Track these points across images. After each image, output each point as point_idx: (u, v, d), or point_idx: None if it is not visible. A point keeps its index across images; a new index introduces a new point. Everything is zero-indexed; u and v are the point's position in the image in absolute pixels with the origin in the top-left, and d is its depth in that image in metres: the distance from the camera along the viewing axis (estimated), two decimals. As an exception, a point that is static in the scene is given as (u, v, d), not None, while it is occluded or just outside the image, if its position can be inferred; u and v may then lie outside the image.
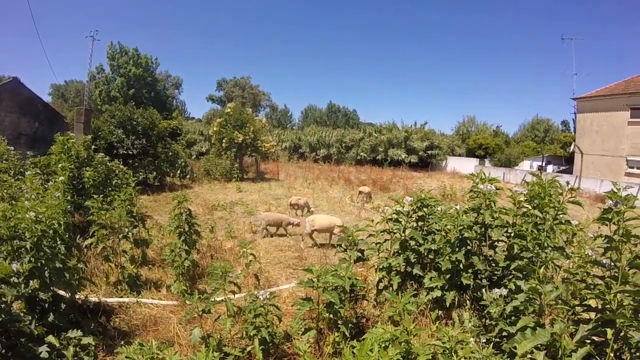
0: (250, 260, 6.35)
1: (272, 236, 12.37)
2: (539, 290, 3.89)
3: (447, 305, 5.26)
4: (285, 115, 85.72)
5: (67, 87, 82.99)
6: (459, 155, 53.10)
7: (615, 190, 4.06)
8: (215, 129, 28.48)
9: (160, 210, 15.29)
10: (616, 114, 35.70)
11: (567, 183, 5.54)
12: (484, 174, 5.95)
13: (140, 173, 21.89)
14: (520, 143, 61.15)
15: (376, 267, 6.31)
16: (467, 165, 45.92)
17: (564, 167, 45.70)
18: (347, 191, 23.01)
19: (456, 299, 5.43)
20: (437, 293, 5.39)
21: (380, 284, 6.20)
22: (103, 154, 14.24)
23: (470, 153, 53.80)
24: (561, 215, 5.17)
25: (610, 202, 4.06)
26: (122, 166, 14.34)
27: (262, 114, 77.01)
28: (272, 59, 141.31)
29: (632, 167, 34.53)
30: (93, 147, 14.07)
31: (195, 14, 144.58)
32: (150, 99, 56.96)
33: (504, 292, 4.28)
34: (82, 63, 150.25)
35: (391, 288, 5.81)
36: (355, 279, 5.20)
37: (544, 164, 47.66)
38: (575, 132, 43.00)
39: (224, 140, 27.53)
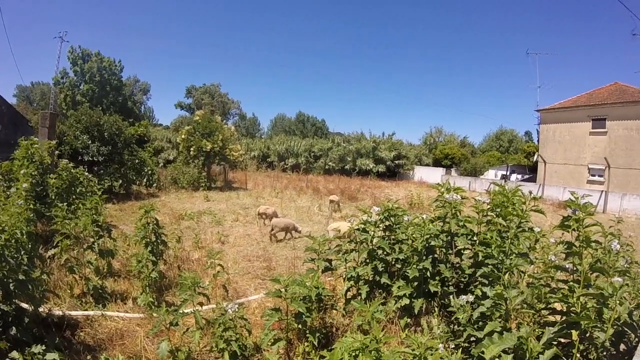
0: (218, 271, 6.30)
1: (279, 241, 13.00)
2: (504, 295, 3.96)
3: (416, 313, 5.32)
4: (254, 124, 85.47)
5: (33, 89, 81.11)
6: (427, 165, 54.05)
7: (574, 199, 4.22)
8: (183, 136, 28.10)
9: (126, 220, 14.97)
10: (578, 125, 37.18)
11: (530, 192, 5.65)
12: (450, 184, 6.08)
13: (106, 181, 21.39)
14: (486, 153, 62.91)
15: (344, 276, 6.34)
16: (434, 175, 46.97)
17: (527, 176, 47.19)
18: (315, 200, 23.04)
19: (424, 306, 5.49)
20: (406, 301, 5.46)
21: (349, 293, 6.23)
22: (67, 160, 13.95)
23: (437, 163, 54.93)
24: (525, 223, 5.29)
25: (570, 209, 4.26)
26: (87, 173, 13.99)
27: (230, 122, 76.62)
28: (241, 67, 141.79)
29: (594, 175, 35.88)
30: (57, 152, 13.78)
31: (165, 20, 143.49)
32: (116, 103, 56.01)
33: (471, 298, 4.36)
34: (49, 64, 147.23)
35: (360, 297, 5.85)
36: (323, 288, 5.21)
37: (508, 173, 49.16)
38: (538, 142, 44.30)
39: (191, 149, 27.21)
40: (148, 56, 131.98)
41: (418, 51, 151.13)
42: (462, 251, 5.75)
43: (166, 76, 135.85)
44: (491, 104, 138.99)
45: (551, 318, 4.25)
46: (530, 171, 46.84)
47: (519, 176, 49.18)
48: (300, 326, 4.81)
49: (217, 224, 15.16)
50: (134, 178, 23.55)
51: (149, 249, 6.98)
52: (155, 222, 7.34)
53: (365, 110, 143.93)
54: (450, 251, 5.69)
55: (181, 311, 4.61)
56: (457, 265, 5.73)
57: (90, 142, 20.78)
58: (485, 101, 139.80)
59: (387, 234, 6.32)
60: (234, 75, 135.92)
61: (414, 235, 5.73)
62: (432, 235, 5.58)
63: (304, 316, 4.64)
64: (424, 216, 5.98)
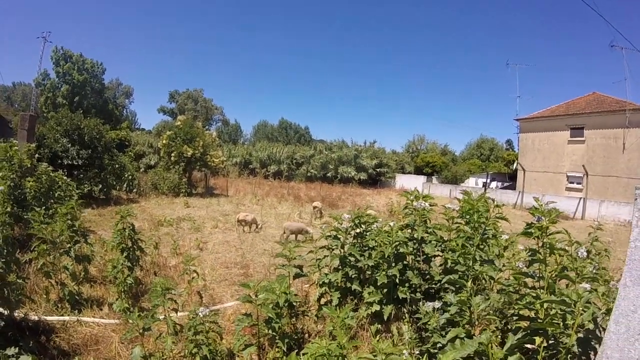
0: (193, 278, 6.37)
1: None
2: (469, 302, 4.07)
3: (386, 319, 5.40)
4: (237, 130, 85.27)
5: (15, 89, 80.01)
6: (409, 172, 55.04)
7: (537, 206, 4.34)
8: (164, 141, 27.96)
9: (105, 225, 14.85)
10: (557, 134, 38.33)
11: (493, 200, 5.78)
12: (418, 192, 6.17)
13: (86, 185, 21.25)
14: (467, 161, 63.46)
15: (317, 283, 6.43)
16: (415, 183, 47.40)
17: (507, 184, 48.16)
18: (296, 208, 23.14)
19: (393, 313, 5.57)
20: (376, 307, 5.52)
21: (322, 299, 6.33)
22: (47, 163, 13.86)
23: (418, 171, 55.81)
24: (490, 230, 5.43)
25: (534, 217, 4.29)
26: (65, 177, 13.93)
27: (213, 128, 76.45)
28: (225, 73, 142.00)
29: (572, 183, 37.03)
30: (37, 155, 13.70)
31: (150, 23, 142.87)
32: (97, 106, 55.54)
33: (437, 305, 4.43)
34: (32, 65, 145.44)
35: (331, 303, 5.90)
36: (294, 294, 5.31)
37: (488, 181, 49.58)
38: (518, 150, 45.25)
39: (172, 154, 27.13)
40: (132, 60, 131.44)
41: (402, 61, 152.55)
42: (431, 258, 5.88)
43: (150, 80, 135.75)
44: (473, 113, 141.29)
45: (522, 324, 4.35)
46: (510, 179, 47.82)
47: (499, 184, 50.07)
48: (270, 332, 4.87)
49: (196, 230, 15.09)
50: (114, 183, 23.30)
51: (125, 254, 7.00)
52: (131, 227, 7.35)
53: (348, 117, 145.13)
54: (419, 258, 5.80)
55: (152, 316, 4.64)
56: (426, 272, 5.85)
57: (70, 145, 20.58)
58: (467, 110, 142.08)
59: (358, 240, 6.41)
60: (218, 82, 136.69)
61: (383, 243, 5.78)
62: (401, 242, 5.66)
63: (273, 321, 4.72)
64: (392, 223, 6.05)
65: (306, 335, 5.77)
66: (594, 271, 5.27)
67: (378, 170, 49.36)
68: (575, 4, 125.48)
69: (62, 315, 6.49)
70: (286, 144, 62.46)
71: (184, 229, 15.25)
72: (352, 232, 6.42)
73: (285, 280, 5.21)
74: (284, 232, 13.89)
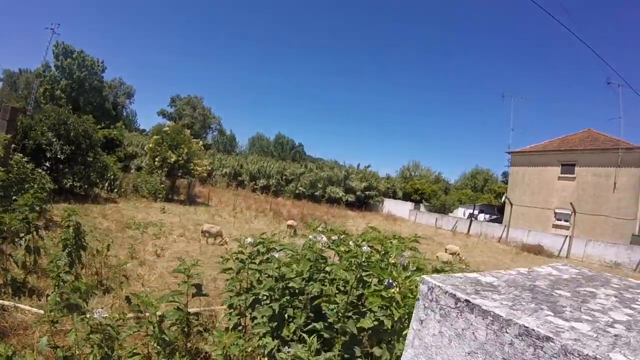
0: (122, 282, 6.61)
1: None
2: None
3: (267, 353, 4.71)
4: (232, 141, 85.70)
5: (20, 76, 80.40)
6: (399, 198, 55.08)
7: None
8: (150, 145, 28.34)
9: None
10: (548, 169, 38.49)
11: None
12: (319, 223, 6.12)
13: (68, 180, 21.66)
14: (460, 190, 63.70)
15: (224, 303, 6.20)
16: (402, 208, 48.23)
17: (495, 217, 48.15)
18: (272, 224, 23.29)
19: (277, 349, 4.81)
20: (263, 340, 4.81)
21: (230, 321, 5.83)
22: (22, 155, 14.18)
23: (407, 197, 55.87)
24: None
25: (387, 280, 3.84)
26: (40, 170, 14.22)
27: (210, 136, 76.96)
28: (226, 83, 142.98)
29: (560, 220, 37.01)
30: (13, 146, 13.98)
31: (158, 26, 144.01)
32: (94, 104, 56.00)
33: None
34: (38, 53, 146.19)
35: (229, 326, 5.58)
36: (188, 313, 5.26)
37: (476, 212, 49.98)
38: (507, 183, 45.63)
39: (157, 158, 27.48)
40: (139, 61, 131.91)
41: (402, 87, 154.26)
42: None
43: (155, 83, 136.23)
44: (471, 143, 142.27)
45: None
46: (499, 212, 47.75)
47: (487, 216, 50.40)
48: (157, 345, 4.81)
49: (161, 236, 15.12)
50: (97, 181, 23.61)
51: (67, 251, 7.33)
52: (76, 225, 7.67)
53: (345, 138, 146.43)
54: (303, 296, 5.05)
55: (62, 311, 4.86)
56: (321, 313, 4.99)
57: (55, 139, 20.90)
58: (466, 140, 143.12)
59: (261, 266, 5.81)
60: (219, 91, 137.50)
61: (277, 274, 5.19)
62: (294, 277, 5.03)
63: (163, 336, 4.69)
64: (278, 254, 5.47)
65: (200, 355, 5.60)
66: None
67: (366, 193, 49.65)
68: (572, 39, 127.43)
69: (2, 299, 6.84)
70: (282, 159, 62.82)
71: (150, 234, 15.21)
72: (258, 258, 5.91)
73: (175, 296, 5.08)
74: (203, 234, 14.83)
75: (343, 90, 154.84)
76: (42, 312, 6.77)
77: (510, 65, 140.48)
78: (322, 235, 5.49)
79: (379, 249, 5.14)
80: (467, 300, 1.22)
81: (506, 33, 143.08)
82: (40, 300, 7.22)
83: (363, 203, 49.37)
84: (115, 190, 25.09)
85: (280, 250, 5.58)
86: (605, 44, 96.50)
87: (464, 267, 11.54)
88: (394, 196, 55.11)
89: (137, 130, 71.31)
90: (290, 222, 21.51)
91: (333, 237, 5.68)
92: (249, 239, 6.01)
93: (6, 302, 6.70)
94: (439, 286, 1.33)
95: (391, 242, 5.20)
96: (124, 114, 75.21)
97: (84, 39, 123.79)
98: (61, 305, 4.95)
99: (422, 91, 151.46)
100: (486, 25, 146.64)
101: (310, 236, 5.69)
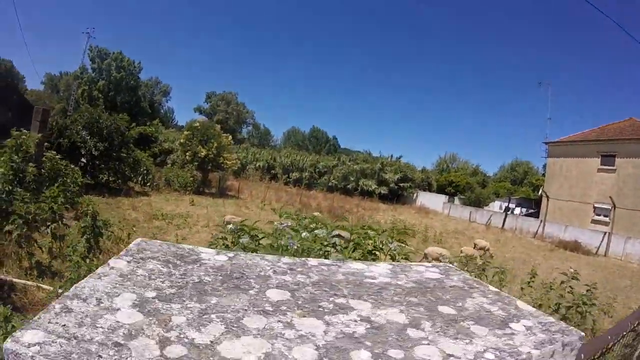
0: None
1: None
2: None
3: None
4: (267, 135, 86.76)
5: (61, 78, 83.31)
6: (435, 190, 53.87)
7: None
8: (182, 140, 29.38)
9: (107, 214, 15.36)
10: (586, 160, 36.23)
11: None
12: (287, 212, 6.28)
13: (104, 175, 22.73)
14: (498, 183, 62.16)
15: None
16: (435, 201, 46.97)
17: (532, 211, 46.06)
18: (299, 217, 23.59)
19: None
20: None
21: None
22: (55, 152, 15.02)
23: (441, 189, 54.40)
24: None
25: None
26: (73, 166, 14.98)
27: (245, 131, 78.16)
28: (262, 78, 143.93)
29: (599, 215, 34.72)
30: (47, 144, 14.77)
31: (192, 23, 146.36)
32: (131, 102, 57.69)
33: None
34: (77, 57, 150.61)
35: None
36: None
37: (512, 206, 48.04)
38: (545, 175, 43.74)
39: (187, 153, 28.39)
40: (177, 60, 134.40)
41: (441, 78, 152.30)
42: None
43: (192, 81, 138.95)
44: (510, 135, 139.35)
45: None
46: (536, 205, 45.33)
47: (524, 210, 48.44)
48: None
49: (185, 227, 15.59)
50: (131, 176, 24.72)
51: (85, 237, 7.96)
52: (94, 214, 8.30)
53: (381, 131, 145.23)
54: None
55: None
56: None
57: (88, 137, 21.93)
58: (504, 132, 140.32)
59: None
60: (254, 86, 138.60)
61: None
62: None
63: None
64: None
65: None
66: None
67: (400, 185, 48.58)
68: (615, 27, 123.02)
69: (27, 280, 7.52)
70: (317, 152, 62.94)
71: (174, 225, 15.70)
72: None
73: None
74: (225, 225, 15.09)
75: (381, 84, 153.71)
76: (60, 291, 7.45)
77: (550, 52, 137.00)
78: (288, 221, 5.69)
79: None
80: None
81: (544, 19, 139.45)
82: (61, 281, 7.88)
83: (396, 195, 48.33)
84: (149, 184, 26.05)
85: (262, 237, 5.46)
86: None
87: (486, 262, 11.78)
88: (429, 189, 53.84)
89: (174, 127, 72.98)
90: (316, 213, 21.89)
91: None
92: (231, 225, 6.00)
93: (29, 282, 7.38)
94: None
95: (367, 233, 5.09)
96: (162, 111, 77.03)
97: (120, 41, 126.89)
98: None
99: (460, 80, 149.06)
100: (525, 12, 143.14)
101: (276, 223, 5.76)
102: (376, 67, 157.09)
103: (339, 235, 5.08)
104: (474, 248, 18.69)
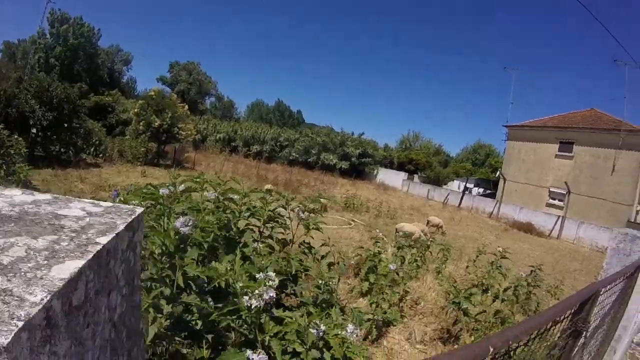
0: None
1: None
2: None
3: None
4: (230, 107, 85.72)
5: (19, 46, 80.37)
6: (396, 168, 54.29)
7: None
8: (135, 110, 28.92)
9: (54, 186, 15.44)
10: (545, 146, 36.94)
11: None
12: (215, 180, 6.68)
13: (55, 147, 22.33)
14: (459, 164, 63.17)
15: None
16: (395, 178, 47.69)
17: (490, 191, 47.03)
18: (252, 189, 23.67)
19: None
20: None
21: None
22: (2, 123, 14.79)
23: (402, 167, 54.96)
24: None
25: None
26: (16, 137, 14.75)
27: (208, 102, 77.20)
28: (225, 49, 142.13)
29: (554, 199, 35.85)
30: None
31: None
32: (89, 71, 56.16)
33: None
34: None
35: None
36: None
37: (471, 186, 49.41)
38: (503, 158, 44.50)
39: (141, 123, 28.02)
40: (139, 27, 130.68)
41: (404, 58, 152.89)
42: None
43: (156, 50, 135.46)
44: (475, 118, 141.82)
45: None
46: (495, 187, 46.07)
47: (482, 190, 49.50)
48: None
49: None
50: (84, 147, 24.27)
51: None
52: (26, 182, 8.36)
53: (348, 108, 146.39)
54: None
55: None
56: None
57: (37, 107, 21.39)
58: (469, 114, 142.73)
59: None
60: (220, 58, 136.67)
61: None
62: None
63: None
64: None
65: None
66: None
67: (361, 160, 48.71)
68: (580, 15, 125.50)
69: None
70: (281, 126, 62.50)
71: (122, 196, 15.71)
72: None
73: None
74: None
75: (348, 62, 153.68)
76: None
77: (515, 39, 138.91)
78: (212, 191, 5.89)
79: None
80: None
81: (512, 5, 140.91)
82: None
83: (357, 171, 48.58)
84: (101, 155, 25.69)
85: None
86: (613, 19, 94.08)
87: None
88: (391, 166, 54.21)
89: (137, 97, 71.42)
90: (268, 186, 21.98)
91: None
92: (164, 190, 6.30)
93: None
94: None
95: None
96: (123, 80, 75.24)
97: (82, 6, 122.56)
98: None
99: (430, 63, 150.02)
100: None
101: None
102: (346, 45, 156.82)
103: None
104: (427, 225, 19.01)
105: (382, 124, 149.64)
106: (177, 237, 2.95)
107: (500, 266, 8.47)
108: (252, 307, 2.60)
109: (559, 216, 30.43)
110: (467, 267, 10.92)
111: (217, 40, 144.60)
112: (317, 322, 2.87)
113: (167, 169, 26.57)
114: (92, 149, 25.12)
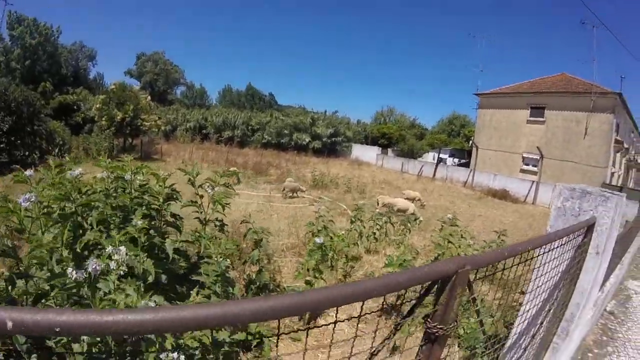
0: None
1: (292, 197, 18.99)
2: None
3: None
4: (202, 94, 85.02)
5: (-19, 52, 78.75)
6: (370, 143, 54.39)
7: None
8: (97, 105, 28.87)
9: (18, 190, 15.58)
10: (517, 112, 37.16)
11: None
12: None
13: (19, 151, 22.25)
14: (434, 135, 63.29)
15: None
16: (369, 154, 47.89)
17: (464, 161, 47.64)
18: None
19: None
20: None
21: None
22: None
23: (375, 142, 55.23)
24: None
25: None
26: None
27: (178, 92, 76.55)
28: (191, 34, 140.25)
29: (528, 165, 36.20)
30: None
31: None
32: (51, 71, 55.20)
33: None
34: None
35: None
36: None
37: (446, 156, 50.56)
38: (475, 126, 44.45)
39: (104, 118, 27.97)
40: (104, 22, 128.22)
41: (379, 32, 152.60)
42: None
43: (122, 43, 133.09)
44: (449, 89, 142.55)
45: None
46: (469, 156, 46.19)
47: (456, 160, 50.34)
48: None
49: None
50: (49, 149, 24.14)
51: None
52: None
53: (321, 87, 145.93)
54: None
55: None
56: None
57: (-4, 111, 21.33)
58: (443, 86, 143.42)
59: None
60: (187, 44, 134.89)
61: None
62: None
63: None
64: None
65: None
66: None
67: (333, 139, 48.96)
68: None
69: None
70: (255, 110, 62.04)
71: None
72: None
73: None
74: (284, 189, 19.40)
75: (319, 40, 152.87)
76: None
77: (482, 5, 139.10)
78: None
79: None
80: None
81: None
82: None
83: (330, 150, 48.64)
84: (66, 154, 25.66)
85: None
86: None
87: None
88: (366, 142, 54.46)
89: (104, 93, 70.39)
90: (232, 169, 22.29)
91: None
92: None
93: None
94: None
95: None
96: (91, 77, 74.09)
97: (41, 6, 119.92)
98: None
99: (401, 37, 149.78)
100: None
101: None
102: (317, 23, 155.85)
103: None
104: (403, 198, 19.28)
105: (361, 102, 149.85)
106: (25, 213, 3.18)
107: (462, 235, 8.55)
108: (73, 278, 2.60)
109: (533, 181, 30.97)
110: (431, 235, 11.21)
111: (186, 27, 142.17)
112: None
113: (135, 162, 26.56)
114: (56, 150, 25.07)
